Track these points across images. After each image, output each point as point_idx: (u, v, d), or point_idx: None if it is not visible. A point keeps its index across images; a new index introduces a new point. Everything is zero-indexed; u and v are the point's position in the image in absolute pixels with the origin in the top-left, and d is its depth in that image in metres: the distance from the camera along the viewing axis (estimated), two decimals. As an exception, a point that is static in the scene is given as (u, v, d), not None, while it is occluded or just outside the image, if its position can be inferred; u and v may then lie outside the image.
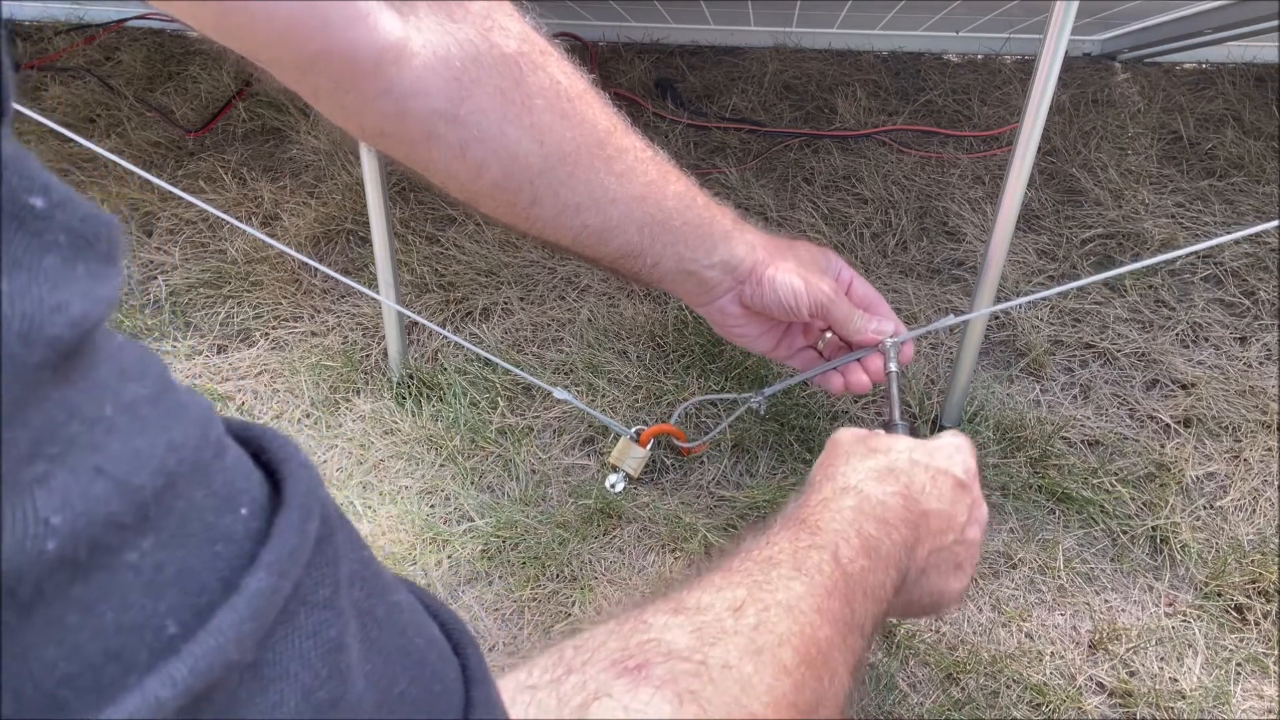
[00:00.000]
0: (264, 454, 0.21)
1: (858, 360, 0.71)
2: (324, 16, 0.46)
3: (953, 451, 0.58)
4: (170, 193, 1.06)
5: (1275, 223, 0.71)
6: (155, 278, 1.29)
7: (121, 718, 0.15)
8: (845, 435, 0.59)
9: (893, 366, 0.70)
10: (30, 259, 0.15)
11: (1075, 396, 1.06)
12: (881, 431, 0.61)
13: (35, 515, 0.15)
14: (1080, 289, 1.19)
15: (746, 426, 1.02)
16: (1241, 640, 0.82)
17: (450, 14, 0.51)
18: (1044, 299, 1.17)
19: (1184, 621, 0.84)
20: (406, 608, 0.25)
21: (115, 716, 0.15)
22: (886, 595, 0.47)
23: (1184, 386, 1.06)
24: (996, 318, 1.15)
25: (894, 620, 0.84)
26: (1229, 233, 1.24)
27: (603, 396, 1.06)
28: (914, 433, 0.66)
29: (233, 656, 0.17)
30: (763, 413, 0.90)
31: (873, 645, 0.48)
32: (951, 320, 0.79)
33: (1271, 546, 0.89)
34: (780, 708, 0.36)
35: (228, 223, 1.10)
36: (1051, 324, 1.14)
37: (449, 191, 0.58)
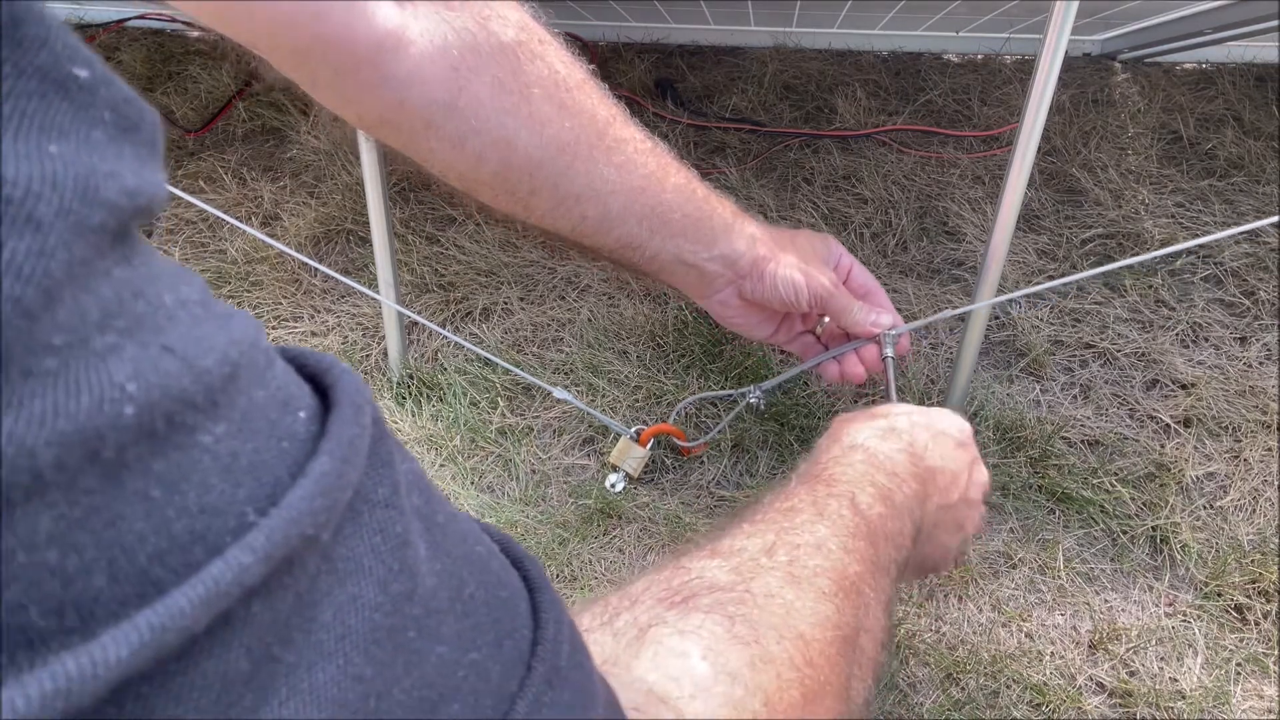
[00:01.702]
0: (306, 368, 0.22)
1: (854, 350, 0.72)
2: (322, 5, 0.46)
3: (949, 416, 0.60)
4: (170, 193, 1.06)
5: (1275, 219, 0.71)
6: (155, 278, 1.29)
7: (209, 583, 0.16)
8: (846, 415, 0.60)
9: (888, 353, 0.70)
10: (77, 128, 0.15)
11: (1075, 396, 1.06)
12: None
13: (111, 380, 0.15)
14: (1080, 289, 1.19)
15: (746, 426, 1.02)
16: (1241, 640, 0.82)
17: (448, 3, 0.51)
18: (1046, 299, 1.17)
19: (1184, 621, 0.84)
20: (463, 517, 0.25)
21: (205, 579, 0.16)
22: (905, 543, 0.49)
23: (1184, 386, 1.06)
24: (996, 317, 1.15)
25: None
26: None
27: (603, 396, 1.06)
28: None
29: (307, 530, 0.18)
30: (761, 407, 0.90)
31: (899, 590, 0.49)
32: (950, 313, 0.79)
33: (1271, 546, 0.89)
34: (825, 628, 0.37)
35: (228, 223, 1.11)
36: (1051, 324, 1.14)
37: (449, 181, 0.58)
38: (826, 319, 0.72)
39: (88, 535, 0.15)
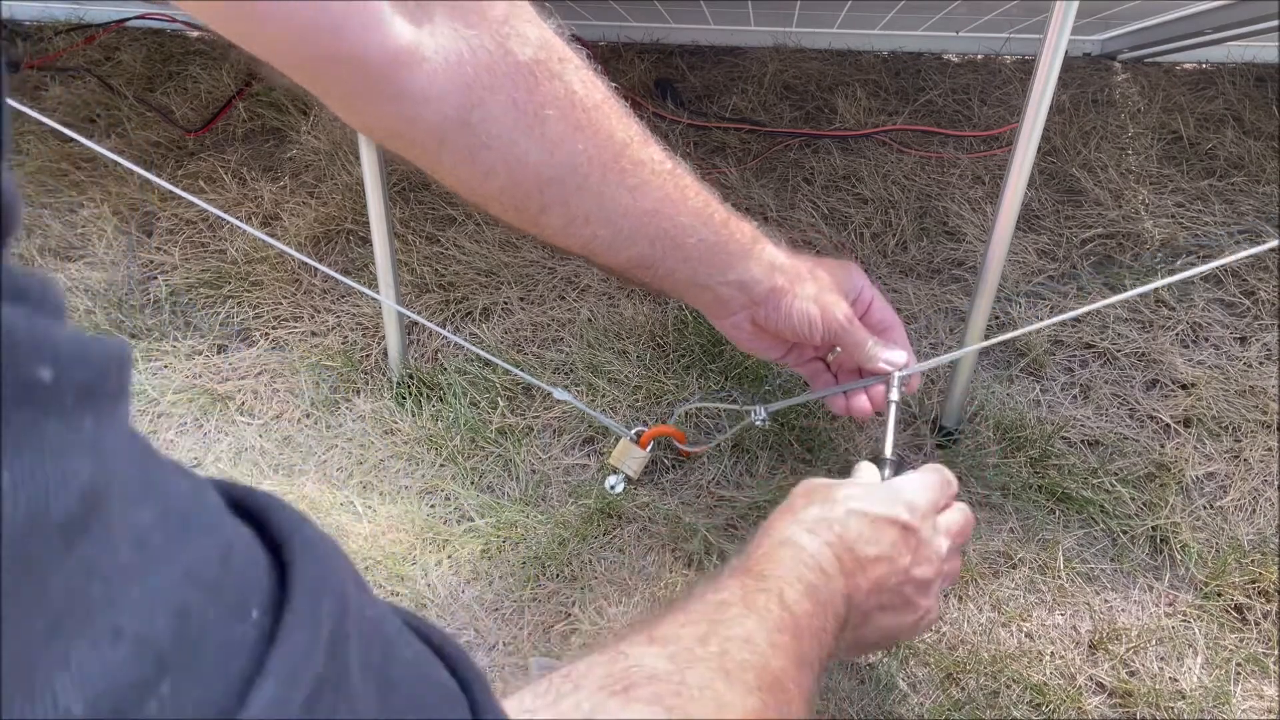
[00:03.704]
0: (268, 526, 0.22)
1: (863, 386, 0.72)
2: (336, 20, 0.46)
3: (899, 494, 0.60)
4: (170, 193, 1.06)
5: (1276, 243, 0.71)
6: (155, 278, 1.29)
7: None
8: (804, 485, 0.61)
9: (894, 397, 0.70)
10: (32, 434, 0.15)
11: (1075, 396, 1.06)
12: (841, 481, 0.62)
13: (56, 709, 0.15)
14: (1080, 288, 1.19)
15: (747, 426, 1.02)
16: (1241, 640, 0.82)
17: (466, 20, 0.50)
18: (1045, 298, 1.17)
19: (1184, 621, 0.84)
20: (413, 661, 0.26)
21: None
22: (829, 640, 0.50)
23: (1184, 386, 1.06)
24: (996, 317, 1.15)
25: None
26: (1229, 233, 1.24)
27: (603, 396, 1.06)
28: (899, 468, 0.66)
29: None
30: (766, 427, 0.90)
31: (819, 684, 0.51)
32: (957, 355, 0.79)
33: (1271, 546, 0.89)
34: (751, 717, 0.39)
35: (228, 223, 1.10)
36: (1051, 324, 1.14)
37: (460, 195, 0.58)
38: (839, 349, 0.72)
39: None
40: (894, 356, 0.70)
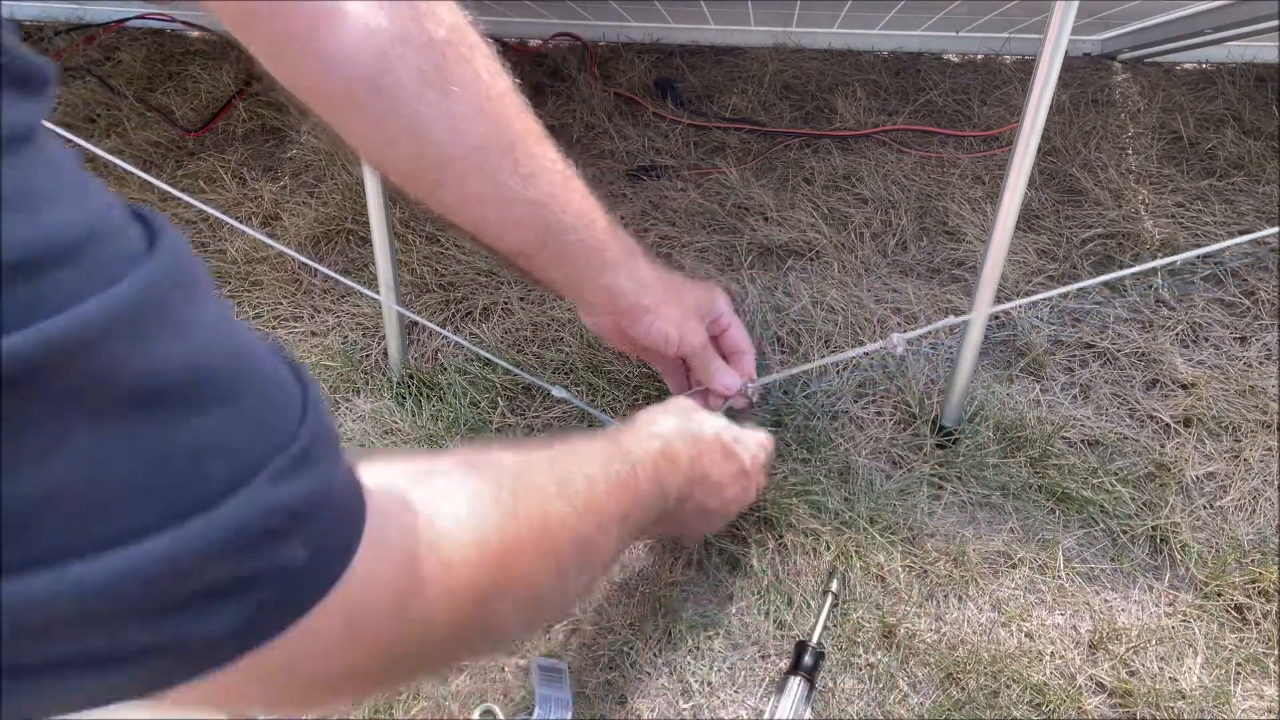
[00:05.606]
0: (145, 217, 0.29)
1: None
2: None
3: (751, 443, 0.74)
4: (170, 193, 1.07)
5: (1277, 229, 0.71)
6: (155, 278, 1.29)
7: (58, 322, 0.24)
8: (681, 399, 0.72)
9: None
10: None
11: (1075, 396, 1.06)
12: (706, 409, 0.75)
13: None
14: (1080, 289, 1.19)
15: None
16: (1241, 640, 0.82)
17: None
18: (1046, 302, 1.17)
19: (1184, 621, 0.84)
20: (256, 337, 0.34)
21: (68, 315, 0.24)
22: (652, 516, 0.59)
23: (1184, 386, 1.06)
24: (996, 317, 1.15)
25: (893, 620, 0.84)
26: (1229, 233, 1.25)
27: (603, 396, 1.06)
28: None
29: (171, 277, 0.28)
30: (755, 400, 0.91)
31: (632, 538, 0.60)
32: (936, 326, 0.79)
33: (1271, 546, 0.89)
34: (566, 523, 0.46)
35: (227, 223, 1.10)
36: (1051, 324, 1.14)
37: (365, 159, 0.64)
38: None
39: None
40: (732, 382, 0.81)
